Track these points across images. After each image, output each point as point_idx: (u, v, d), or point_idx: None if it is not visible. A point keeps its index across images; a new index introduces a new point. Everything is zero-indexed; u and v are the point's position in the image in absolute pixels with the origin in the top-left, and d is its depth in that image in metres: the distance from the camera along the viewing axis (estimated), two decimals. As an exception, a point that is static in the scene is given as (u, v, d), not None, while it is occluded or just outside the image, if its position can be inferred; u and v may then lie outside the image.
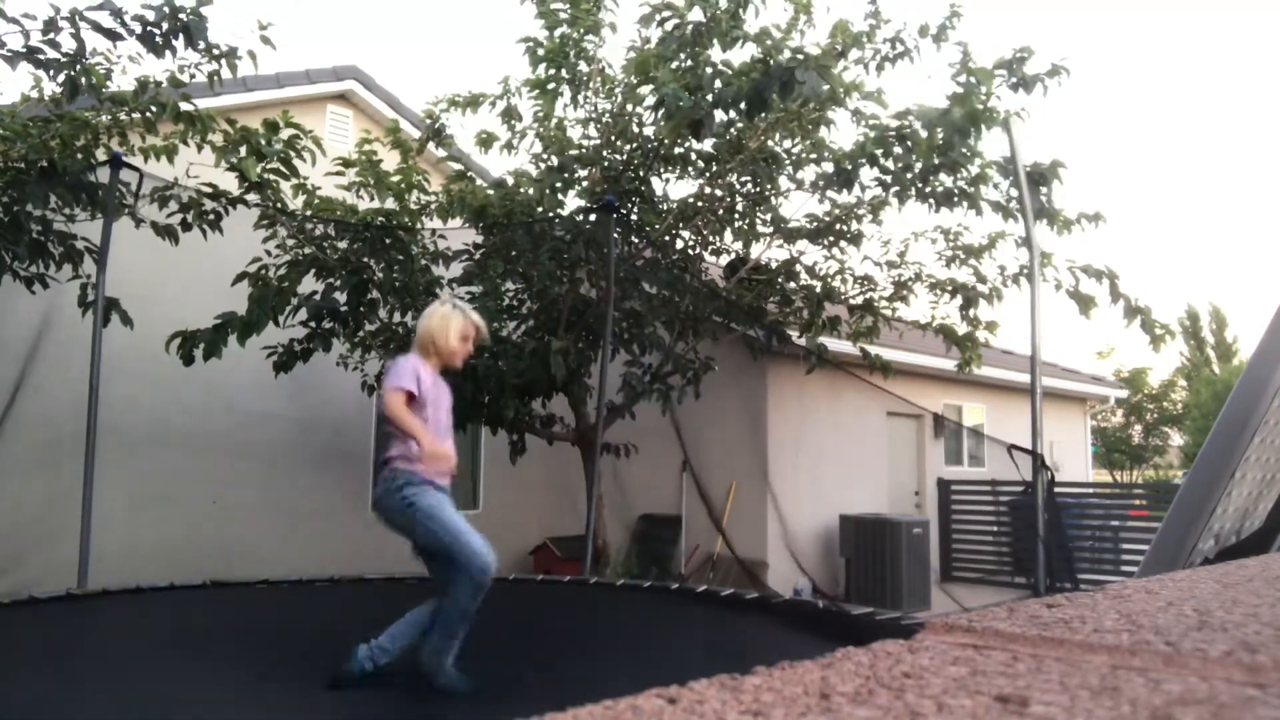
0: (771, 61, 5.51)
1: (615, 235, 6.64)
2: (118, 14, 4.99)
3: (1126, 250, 53.96)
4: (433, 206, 7.59)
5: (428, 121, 7.92)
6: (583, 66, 7.38)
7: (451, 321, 3.69)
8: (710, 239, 8.16)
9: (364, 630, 3.47)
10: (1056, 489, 7.31)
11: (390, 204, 7.19)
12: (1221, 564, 1.28)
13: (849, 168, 6.84)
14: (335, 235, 7.11)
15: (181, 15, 5.12)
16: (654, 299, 7.64)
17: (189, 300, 7.29)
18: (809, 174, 7.73)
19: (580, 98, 7.53)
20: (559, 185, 6.97)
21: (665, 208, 7.71)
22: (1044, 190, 6.98)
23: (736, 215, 8.08)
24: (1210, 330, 33.93)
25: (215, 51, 5.76)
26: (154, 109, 6.05)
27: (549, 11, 7.13)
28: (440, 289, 7.22)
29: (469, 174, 8.01)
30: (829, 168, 7.33)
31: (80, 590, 4.72)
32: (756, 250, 8.44)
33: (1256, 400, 2.07)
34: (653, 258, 7.61)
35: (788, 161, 7.66)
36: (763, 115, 6.14)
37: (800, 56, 5.58)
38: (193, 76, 5.99)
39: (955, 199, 7.05)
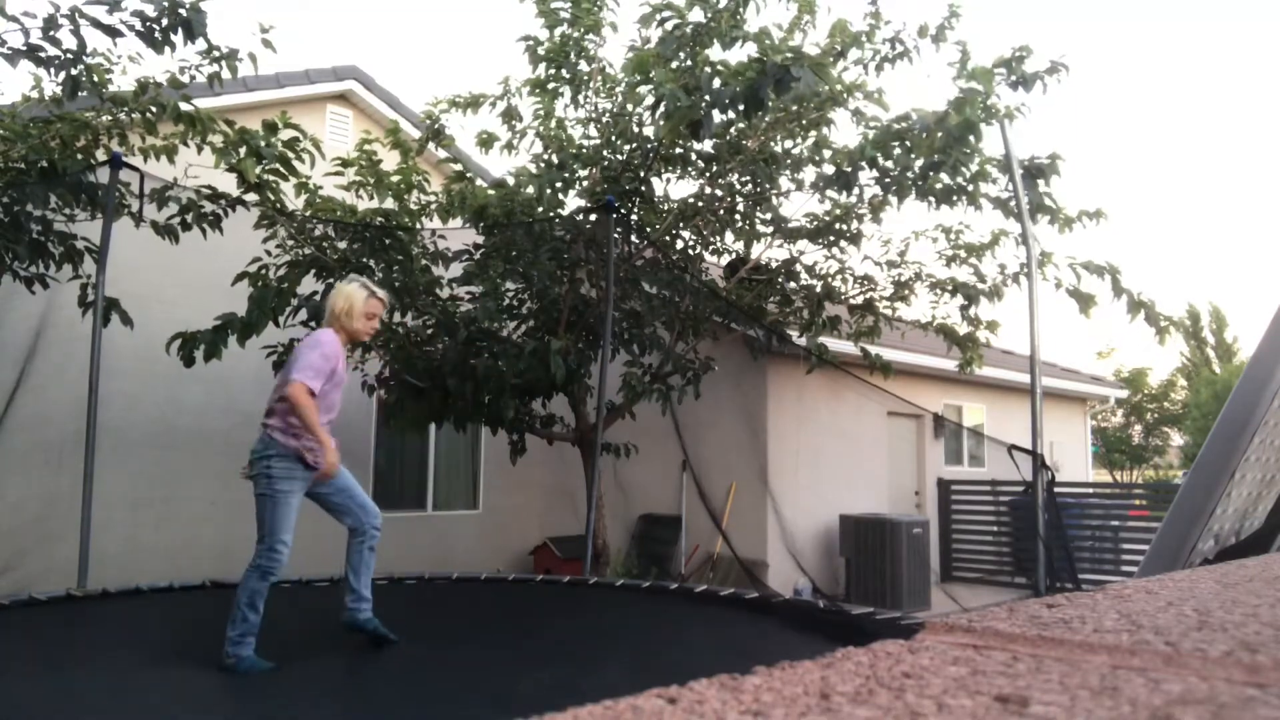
0: (767, 61, 5.51)
1: (615, 235, 6.64)
2: (115, 7, 4.97)
3: (1127, 249, 54.04)
4: (433, 207, 7.59)
5: (428, 122, 7.92)
6: (583, 66, 7.38)
7: (355, 300, 3.82)
8: (710, 239, 8.16)
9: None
10: (1056, 489, 7.31)
11: (390, 204, 7.20)
12: (1221, 564, 1.28)
13: (849, 170, 6.84)
14: (335, 235, 7.12)
15: (181, 10, 5.11)
16: (654, 299, 7.64)
17: (189, 300, 7.30)
18: (809, 174, 7.74)
19: (580, 97, 7.53)
20: (559, 185, 6.97)
21: (665, 208, 7.71)
22: (1043, 185, 6.98)
23: (737, 215, 8.07)
24: (1210, 330, 33.88)
25: (216, 54, 5.77)
26: (154, 109, 6.05)
27: (549, 11, 7.13)
28: (440, 288, 7.22)
29: (469, 174, 8.01)
30: (829, 169, 7.32)
31: (80, 590, 4.72)
32: (756, 250, 8.44)
33: (1256, 400, 2.07)
34: (653, 258, 7.61)
35: (788, 161, 7.66)
36: (762, 115, 6.14)
37: (794, 55, 5.57)
38: (193, 78, 5.99)
39: (955, 196, 7.04)
